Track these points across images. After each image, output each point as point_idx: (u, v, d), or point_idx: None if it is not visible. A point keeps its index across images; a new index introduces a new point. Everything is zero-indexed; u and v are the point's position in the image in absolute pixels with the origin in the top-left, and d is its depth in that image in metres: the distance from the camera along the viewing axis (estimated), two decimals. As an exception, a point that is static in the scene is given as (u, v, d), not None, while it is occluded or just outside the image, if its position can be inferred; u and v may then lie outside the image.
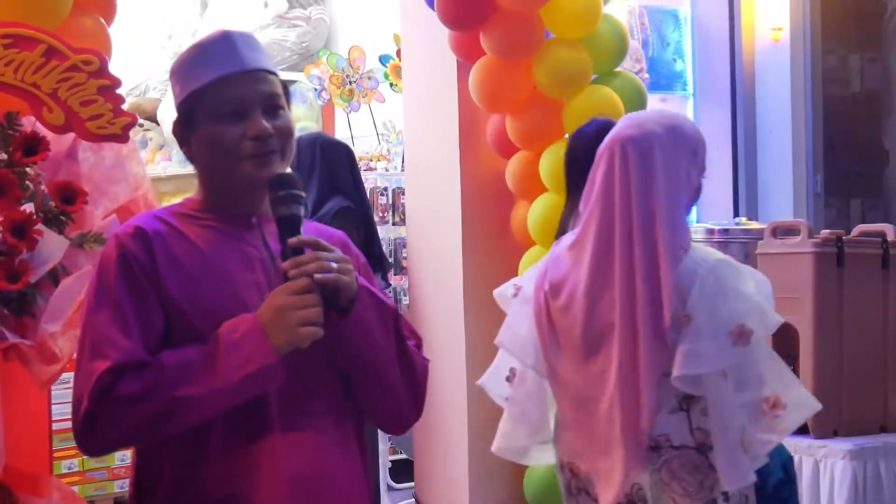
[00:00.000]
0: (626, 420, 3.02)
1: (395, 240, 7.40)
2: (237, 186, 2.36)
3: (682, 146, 3.11)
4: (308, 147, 5.54)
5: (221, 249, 2.35)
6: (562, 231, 3.66)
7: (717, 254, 3.14)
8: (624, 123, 3.17)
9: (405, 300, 6.35)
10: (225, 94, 2.33)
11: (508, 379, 3.43)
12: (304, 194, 2.30)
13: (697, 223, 6.10)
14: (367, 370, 2.36)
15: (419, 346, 2.52)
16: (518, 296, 3.38)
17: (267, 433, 2.29)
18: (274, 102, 2.37)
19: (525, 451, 3.47)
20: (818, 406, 3.07)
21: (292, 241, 2.23)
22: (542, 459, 3.51)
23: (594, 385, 3.12)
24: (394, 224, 7.50)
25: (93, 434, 2.25)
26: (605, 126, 3.47)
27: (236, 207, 2.39)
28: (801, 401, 3.04)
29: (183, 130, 2.41)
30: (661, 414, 3.04)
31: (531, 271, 3.42)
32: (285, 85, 2.45)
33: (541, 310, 3.23)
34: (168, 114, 9.93)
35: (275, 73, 2.43)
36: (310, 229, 2.40)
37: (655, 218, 3.02)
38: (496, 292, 3.52)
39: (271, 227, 2.35)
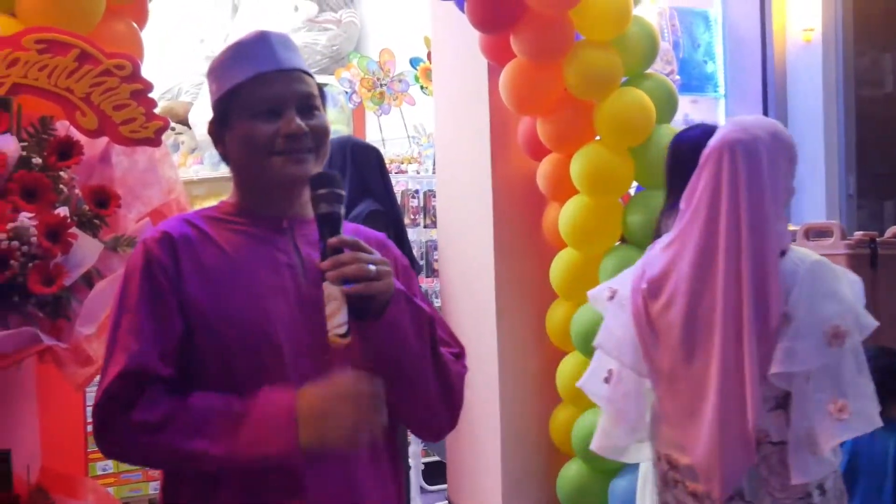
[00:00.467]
0: (732, 418, 3.12)
1: (426, 242, 7.39)
2: (269, 184, 2.35)
3: (783, 151, 3.23)
4: (338, 150, 5.54)
5: (249, 254, 2.34)
6: (657, 231, 3.78)
7: (813, 255, 3.24)
8: (730, 127, 3.26)
9: (437, 302, 6.35)
10: (260, 92, 2.33)
11: (606, 380, 3.52)
12: (344, 193, 2.28)
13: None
14: (398, 374, 2.32)
15: (461, 354, 2.49)
16: (614, 299, 3.47)
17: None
18: (309, 102, 2.36)
19: (625, 449, 3.59)
20: (878, 424, 3.14)
21: (332, 241, 2.20)
22: (641, 457, 3.66)
23: (696, 382, 3.22)
24: (425, 227, 7.49)
25: (102, 442, 2.29)
26: (710, 130, 3.59)
27: (269, 208, 2.39)
28: (865, 413, 3.12)
29: (218, 129, 2.41)
30: (761, 411, 3.13)
31: (626, 273, 3.52)
32: (321, 87, 2.45)
33: (639, 310, 3.33)
34: (200, 117, 9.97)
35: (311, 75, 2.42)
36: (348, 230, 2.39)
37: (764, 219, 3.13)
38: (591, 294, 3.64)
39: (303, 231, 2.35)
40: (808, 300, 3.10)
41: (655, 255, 3.38)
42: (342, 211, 2.26)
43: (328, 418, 2.16)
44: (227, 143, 2.39)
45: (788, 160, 3.25)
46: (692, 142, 3.82)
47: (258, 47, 2.38)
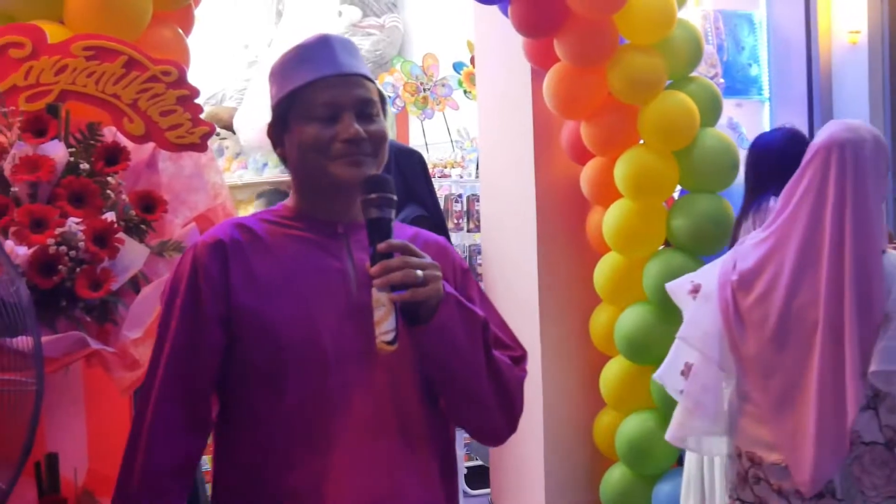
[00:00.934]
0: (829, 415, 3.18)
1: (469, 247, 7.39)
2: (327, 189, 2.35)
3: (883, 154, 3.32)
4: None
5: (300, 259, 2.34)
6: (737, 229, 3.86)
7: None
8: (838, 127, 3.34)
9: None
10: (319, 96, 2.32)
11: (683, 373, 3.56)
12: (395, 197, 2.26)
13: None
14: (451, 379, 2.32)
15: (521, 357, 2.48)
16: (698, 292, 3.53)
17: (333, 452, 2.28)
18: (368, 108, 2.35)
19: (698, 441, 3.62)
20: None
21: (381, 246, 2.18)
22: (714, 450, 3.71)
23: (789, 377, 3.28)
24: (468, 231, 7.49)
25: None
26: (793, 133, 3.63)
27: (326, 213, 2.38)
28: None
29: (277, 131, 2.41)
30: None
31: (710, 268, 3.58)
32: (382, 93, 2.44)
33: (727, 302, 3.38)
34: (244, 122, 10.01)
35: (372, 80, 2.41)
36: (408, 234, 2.40)
37: (869, 218, 3.21)
38: (670, 286, 3.70)
39: (359, 236, 2.33)
40: None
41: (747, 250, 3.42)
42: (393, 215, 2.24)
43: None
44: (286, 146, 2.39)
45: (886, 164, 3.33)
46: (778, 144, 3.87)
47: (319, 51, 2.37)
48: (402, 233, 2.37)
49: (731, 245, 4.12)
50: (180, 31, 3.63)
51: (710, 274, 3.51)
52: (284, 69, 2.40)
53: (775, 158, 3.82)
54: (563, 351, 5.33)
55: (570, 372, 5.37)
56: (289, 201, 2.45)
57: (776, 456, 3.30)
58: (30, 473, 2.86)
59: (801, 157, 4.00)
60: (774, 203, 4.08)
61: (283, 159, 2.43)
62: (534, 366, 5.25)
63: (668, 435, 3.62)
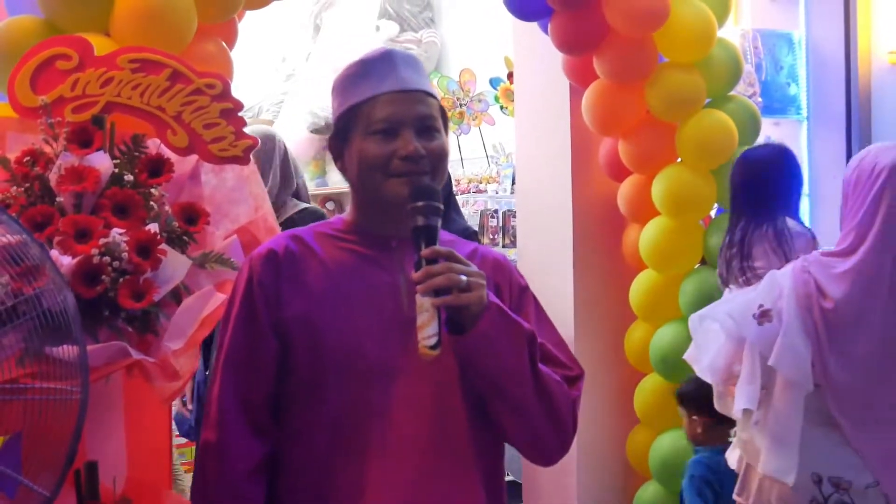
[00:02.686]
0: None
1: (504, 262, 7.38)
2: (384, 205, 2.36)
3: None
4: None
5: (350, 273, 2.36)
6: (733, 247, 3.90)
7: None
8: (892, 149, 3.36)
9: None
10: (379, 112, 2.33)
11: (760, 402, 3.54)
12: (442, 206, 2.26)
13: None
14: (495, 390, 2.31)
15: (577, 377, 2.46)
16: (767, 316, 3.48)
17: (374, 463, 2.29)
18: (429, 124, 2.36)
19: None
20: None
21: (425, 251, 2.18)
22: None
23: (886, 401, 3.35)
24: (504, 246, 7.50)
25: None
26: (783, 149, 3.64)
27: (381, 227, 2.40)
28: None
29: (337, 145, 2.43)
30: None
31: (770, 290, 3.53)
32: (443, 109, 2.44)
33: (817, 329, 3.38)
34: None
35: (434, 97, 2.42)
36: (468, 248, 2.43)
37: None
38: (729, 312, 3.62)
39: (412, 251, 2.30)
40: None
41: (828, 274, 3.40)
42: (439, 224, 2.25)
43: None
44: (346, 161, 2.40)
45: None
46: (771, 164, 3.82)
47: (381, 66, 2.38)
48: (462, 248, 2.39)
49: (738, 268, 3.97)
50: (224, 44, 3.66)
51: (778, 296, 3.46)
52: (346, 83, 2.41)
53: (774, 178, 3.78)
54: (597, 367, 5.32)
55: (605, 388, 5.36)
56: (347, 215, 2.47)
57: (868, 477, 3.31)
58: (69, 481, 2.87)
59: (798, 174, 3.95)
60: (796, 225, 3.97)
61: (343, 173, 2.44)
62: (569, 382, 5.26)
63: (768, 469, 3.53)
